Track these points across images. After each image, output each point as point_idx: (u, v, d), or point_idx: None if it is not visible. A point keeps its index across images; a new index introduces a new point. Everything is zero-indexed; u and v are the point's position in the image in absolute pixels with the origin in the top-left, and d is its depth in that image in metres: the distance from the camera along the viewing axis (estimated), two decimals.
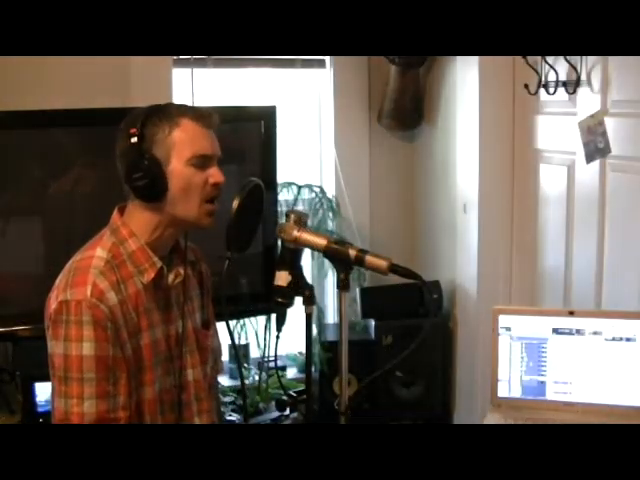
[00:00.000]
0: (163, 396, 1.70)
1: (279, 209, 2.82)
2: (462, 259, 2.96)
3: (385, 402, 2.98)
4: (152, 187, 1.62)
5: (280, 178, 2.84)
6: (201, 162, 1.64)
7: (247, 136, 2.71)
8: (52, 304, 1.59)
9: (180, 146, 1.63)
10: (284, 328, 1.63)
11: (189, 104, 1.72)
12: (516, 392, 2.10)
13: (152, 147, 1.62)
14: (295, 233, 1.57)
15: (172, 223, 1.68)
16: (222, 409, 2.89)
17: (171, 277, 1.72)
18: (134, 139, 1.61)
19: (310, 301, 1.59)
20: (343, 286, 1.54)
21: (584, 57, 2.35)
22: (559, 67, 2.42)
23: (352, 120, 3.29)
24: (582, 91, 2.37)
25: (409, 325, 2.90)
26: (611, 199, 2.29)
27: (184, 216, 1.66)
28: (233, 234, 1.70)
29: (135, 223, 1.67)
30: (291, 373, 3.29)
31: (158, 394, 1.68)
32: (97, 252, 1.64)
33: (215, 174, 1.66)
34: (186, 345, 1.76)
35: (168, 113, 1.64)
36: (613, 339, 2.02)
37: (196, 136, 1.64)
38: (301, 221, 1.59)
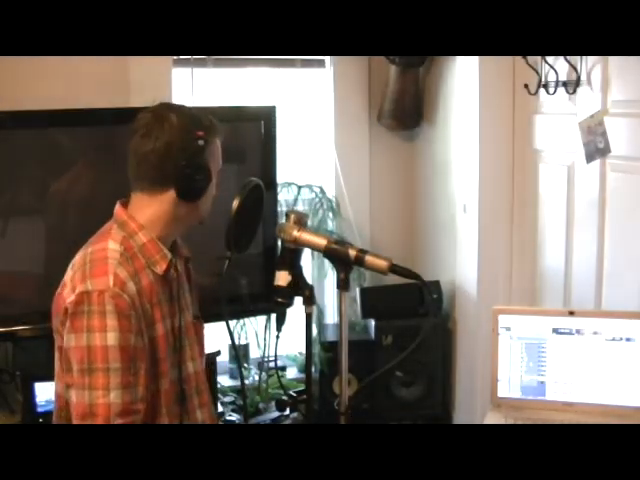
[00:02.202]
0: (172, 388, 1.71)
1: (279, 209, 2.83)
2: (462, 259, 2.96)
3: (385, 402, 2.98)
4: (200, 191, 1.69)
5: (280, 178, 2.84)
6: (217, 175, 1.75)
7: (247, 136, 2.72)
8: (67, 297, 1.58)
9: (217, 159, 1.74)
10: (284, 328, 1.63)
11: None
12: (516, 392, 2.10)
13: (208, 153, 1.69)
14: (295, 233, 1.57)
15: (188, 221, 1.73)
16: (222, 409, 2.89)
17: (172, 271, 1.74)
18: (201, 142, 1.66)
19: (310, 301, 1.59)
20: (343, 286, 1.55)
21: (584, 57, 2.35)
22: (559, 67, 2.42)
23: (352, 120, 3.29)
24: (582, 91, 2.37)
25: (409, 325, 2.90)
26: (611, 199, 2.29)
27: (198, 217, 1.74)
28: (233, 234, 1.70)
29: (145, 217, 1.68)
30: (291, 373, 3.29)
31: (171, 385, 1.69)
32: (110, 245, 1.64)
33: (217, 187, 1.76)
34: (186, 337, 1.77)
35: (214, 125, 1.72)
36: (613, 339, 2.02)
37: (220, 152, 1.76)
38: (301, 221, 1.60)
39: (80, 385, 1.55)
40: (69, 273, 1.63)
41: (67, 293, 1.59)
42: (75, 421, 1.57)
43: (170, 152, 1.64)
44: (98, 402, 1.53)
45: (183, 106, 1.74)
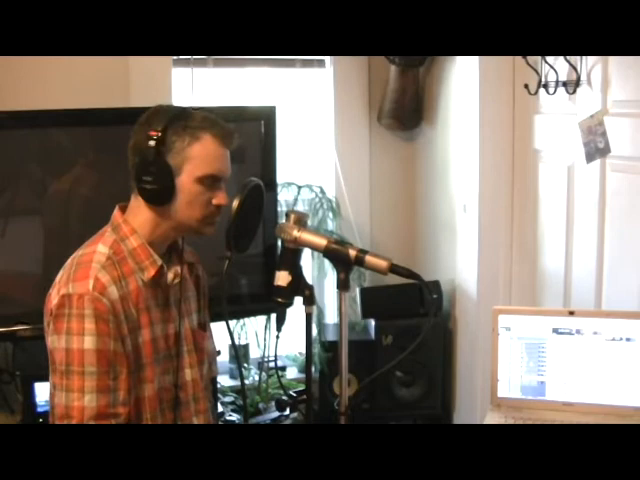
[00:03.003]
0: (162, 394, 1.71)
1: (279, 209, 2.82)
2: (462, 259, 2.96)
3: (385, 402, 2.98)
4: (158, 194, 1.63)
5: (280, 178, 2.84)
6: (210, 182, 1.66)
7: (247, 136, 2.71)
8: (53, 299, 1.59)
9: (195, 162, 1.63)
10: (284, 328, 1.63)
11: (212, 115, 1.70)
12: (516, 392, 2.10)
13: (168, 154, 1.62)
14: (295, 233, 1.57)
15: (174, 227, 1.70)
16: (222, 409, 2.89)
17: (170, 276, 1.73)
18: (153, 142, 1.61)
19: (310, 301, 1.59)
20: (343, 286, 1.55)
21: (584, 57, 2.34)
22: (559, 67, 2.42)
23: (352, 120, 3.29)
24: (582, 91, 2.37)
25: (409, 325, 2.90)
26: (611, 199, 2.29)
27: (185, 223, 1.68)
28: (233, 234, 1.70)
29: (137, 221, 1.68)
30: (291, 373, 3.29)
31: (157, 392, 1.69)
32: (99, 248, 1.64)
33: (220, 196, 1.67)
34: (184, 344, 1.77)
35: (192, 124, 1.64)
36: (613, 339, 2.02)
37: (213, 155, 1.65)
38: (301, 221, 1.60)
39: (59, 386, 1.57)
40: (59, 274, 1.65)
41: (54, 295, 1.61)
42: (55, 422, 1.58)
43: (134, 152, 1.65)
44: (73, 404, 1.55)
45: (174, 106, 1.70)
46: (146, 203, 1.66)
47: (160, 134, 1.61)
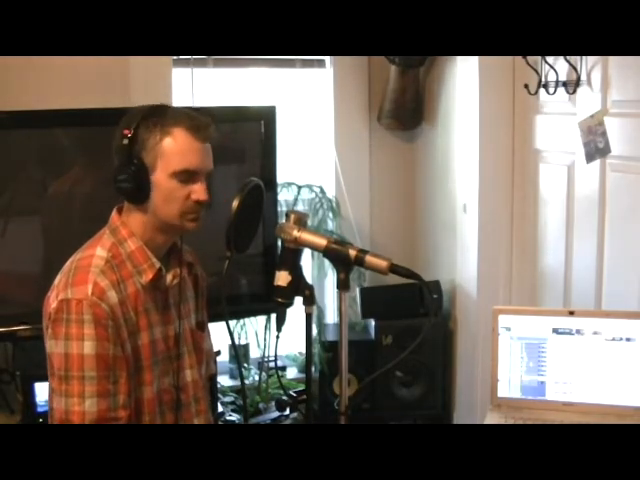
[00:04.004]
0: (163, 396, 1.70)
1: (279, 209, 2.83)
2: (462, 259, 2.96)
3: (385, 402, 2.98)
4: (134, 192, 1.62)
5: (280, 178, 2.84)
6: (186, 177, 1.62)
7: (247, 136, 2.71)
8: (52, 303, 1.59)
9: (168, 157, 1.61)
10: (284, 328, 1.63)
11: (188, 111, 1.69)
12: (516, 392, 2.10)
13: (142, 151, 1.61)
14: (295, 233, 1.57)
15: (160, 227, 1.67)
16: (222, 409, 2.89)
17: (169, 278, 1.73)
18: (125, 141, 1.60)
19: (310, 301, 1.59)
20: (343, 286, 1.54)
21: (584, 57, 2.35)
22: (559, 67, 2.42)
23: (352, 120, 3.29)
24: (582, 91, 2.37)
25: (409, 325, 2.90)
26: (611, 199, 2.29)
27: (166, 221, 1.66)
28: (233, 234, 1.70)
29: (133, 223, 1.67)
30: (291, 373, 3.29)
31: (157, 394, 1.68)
32: (97, 251, 1.64)
33: (199, 191, 1.63)
34: (184, 345, 1.77)
35: (164, 119, 1.62)
36: (613, 339, 2.02)
37: (186, 149, 1.62)
38: (301, 221, 1.60)
39: (58, 391, 1.57)
40: (58, 277, 1.64)
41: (52, 299, 1.60)
42: None
43: (114, 154, 1.65)
44: (73, 409, 1.55)
45: (149, 105, 1.67)
46: (127, 202, 1.66)
47: (132, 132, 1.60)
